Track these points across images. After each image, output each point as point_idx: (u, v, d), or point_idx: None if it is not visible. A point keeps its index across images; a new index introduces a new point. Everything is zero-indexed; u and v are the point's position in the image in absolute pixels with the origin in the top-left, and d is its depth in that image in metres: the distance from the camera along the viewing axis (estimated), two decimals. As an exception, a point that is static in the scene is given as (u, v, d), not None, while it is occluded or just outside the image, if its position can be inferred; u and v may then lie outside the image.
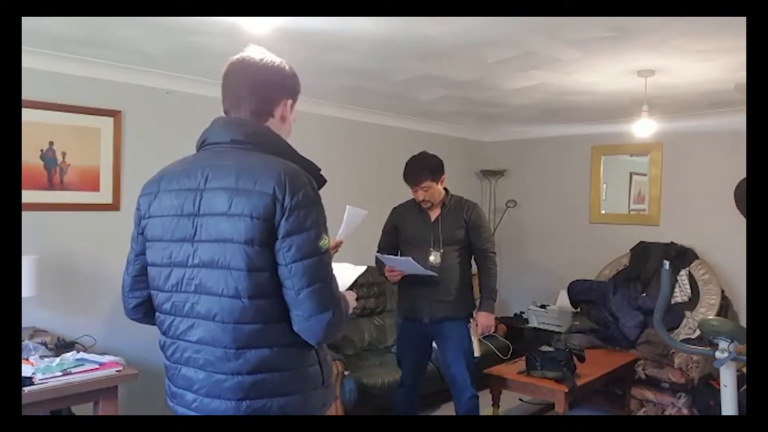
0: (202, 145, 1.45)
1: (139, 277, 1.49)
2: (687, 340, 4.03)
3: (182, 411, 1.41)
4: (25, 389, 2.23)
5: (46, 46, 3.09)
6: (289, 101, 1.49)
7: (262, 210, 1.28)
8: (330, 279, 1.35)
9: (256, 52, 1.47)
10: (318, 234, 1.32)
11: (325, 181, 1.46)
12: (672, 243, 4.77)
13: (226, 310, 1.31)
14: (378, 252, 3.14)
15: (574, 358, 3.52)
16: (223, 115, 1.47)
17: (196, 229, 1.35)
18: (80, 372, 2.43)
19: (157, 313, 1.46)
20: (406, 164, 3.10)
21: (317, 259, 1.31)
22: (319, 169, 1.45)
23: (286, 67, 1.49)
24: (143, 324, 1.57)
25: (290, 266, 1.29)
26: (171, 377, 1.44)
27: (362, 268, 1.79)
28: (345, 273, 1.82)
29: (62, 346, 2.79)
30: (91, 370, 2.46)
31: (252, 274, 1.29)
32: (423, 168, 3.04)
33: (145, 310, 1.52)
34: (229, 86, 1.46)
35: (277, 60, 1.48)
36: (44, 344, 2.65)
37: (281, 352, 1.34)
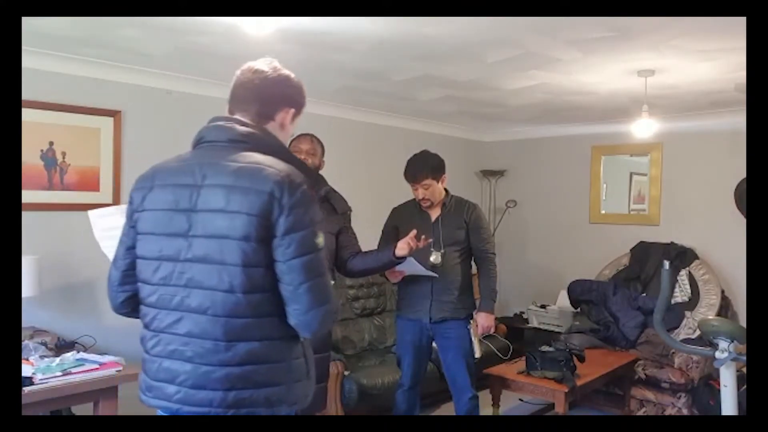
0: (198, 142, 1.49)
1: (129, 271, 1.49)
2: (687, 340, 4.03)
3: (158, 403, 1.41)
4: (25, 389, 2.23)
5: (46, 46, 3.09)
6: (291, 110, 1.56)
7: (259, 207, 1.33)
8: (325, 273, 1.41)
9: (266, 62, 1.54)
10: (315, 232, 1.38)
11: (316, 180, 1.49)
12: (672, 243, 4.77)
13: (218, 303, 1.34)
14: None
15: (574, 358, 3.52)
16: (221, 114, 1.52)
17: (190, 225, 1.38)
18: (80, 372, 2.43)
19: (141, 306, 1.47)
20: (408, 162, 3.11)
21: (314, 255, 1.37)
22: (311, 171, 1.49)
23: (294, 79, 1.56)
24: (132, 318, 1.58)
25: (289, 263, 1.34)
26: (148, 370, 1.44)
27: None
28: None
29: (62, 346, 2.79)
30: (91, 370, 2.47)
31: (247, 270, 1.33)
32: (424, 165, 3.05)
33: (134, 305, 1.53)
34: (236, 90, 1.52)
35: (285, 71, 1.54)
36: (44, 344, 2.65)
37: (270, 345, 1.38)
